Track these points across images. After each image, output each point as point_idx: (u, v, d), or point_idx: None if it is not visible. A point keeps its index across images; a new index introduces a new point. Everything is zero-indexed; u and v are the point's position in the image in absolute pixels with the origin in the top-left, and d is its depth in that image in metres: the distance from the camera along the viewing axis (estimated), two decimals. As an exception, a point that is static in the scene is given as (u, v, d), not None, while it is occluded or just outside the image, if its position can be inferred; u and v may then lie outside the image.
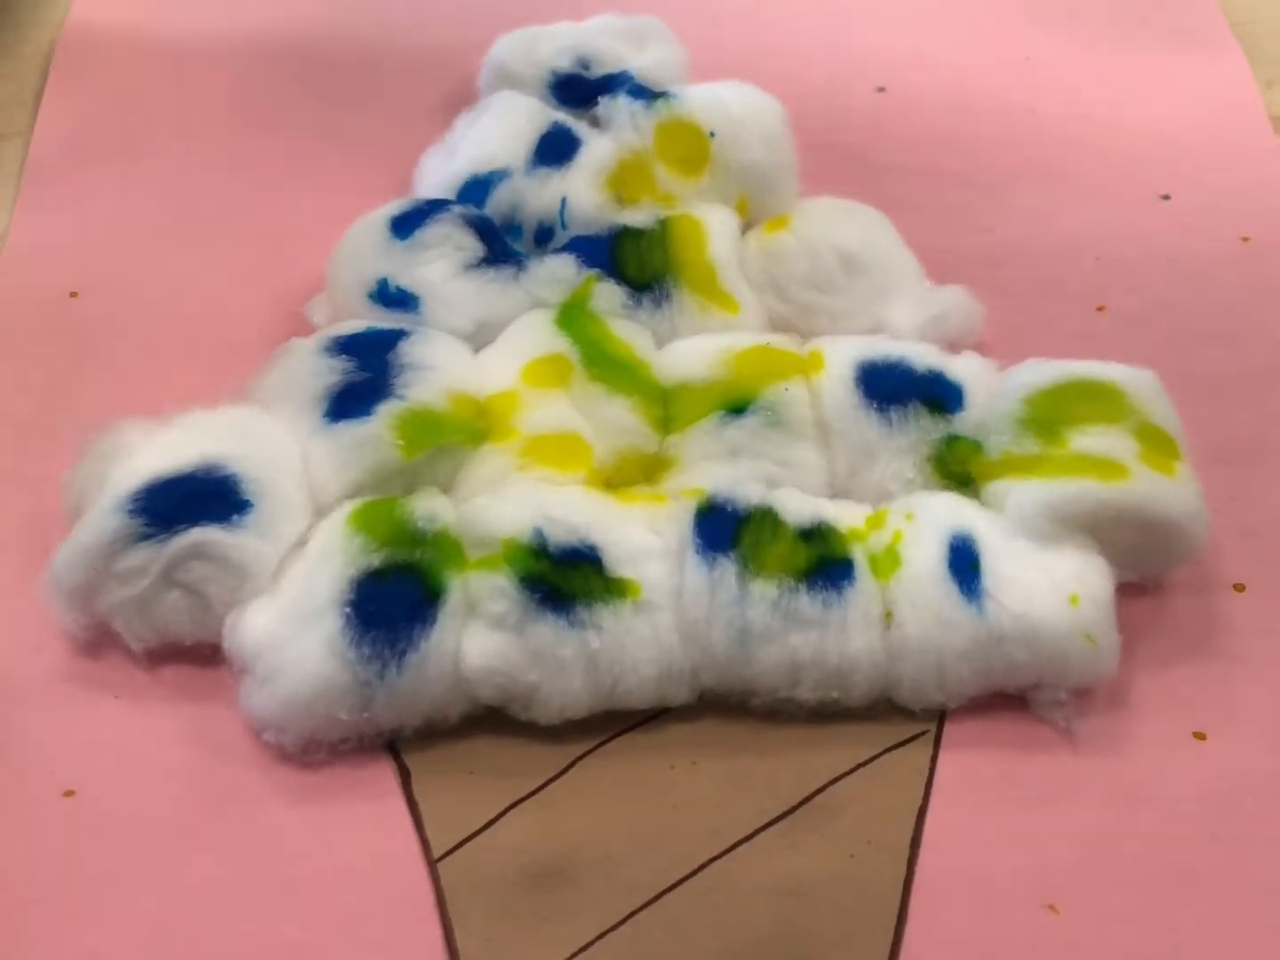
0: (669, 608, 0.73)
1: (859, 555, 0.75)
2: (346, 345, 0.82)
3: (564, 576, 0.72)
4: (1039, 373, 0.81)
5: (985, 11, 1.03)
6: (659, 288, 0.86)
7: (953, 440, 0.80)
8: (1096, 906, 0.68)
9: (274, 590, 0.74)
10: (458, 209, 0.88)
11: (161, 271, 0.94)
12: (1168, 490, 0.76)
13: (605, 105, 0.95)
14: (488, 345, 0.85)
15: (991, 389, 0.82)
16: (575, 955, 0.66)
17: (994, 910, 0.68)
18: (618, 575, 0.73)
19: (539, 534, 0.73)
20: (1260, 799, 0.71)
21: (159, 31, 1.09)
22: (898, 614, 0.73)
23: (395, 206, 0.89)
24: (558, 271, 0.86)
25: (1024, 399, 0.80)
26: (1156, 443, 0.77)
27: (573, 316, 0.83)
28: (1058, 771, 0.72)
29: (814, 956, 0.66)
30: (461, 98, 0.99)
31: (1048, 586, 0.73)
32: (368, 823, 0.71)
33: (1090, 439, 0.77)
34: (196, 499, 0.75)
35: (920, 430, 0.80)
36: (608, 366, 0.81)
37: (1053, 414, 0.78)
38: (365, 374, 0.80)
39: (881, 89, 1.04)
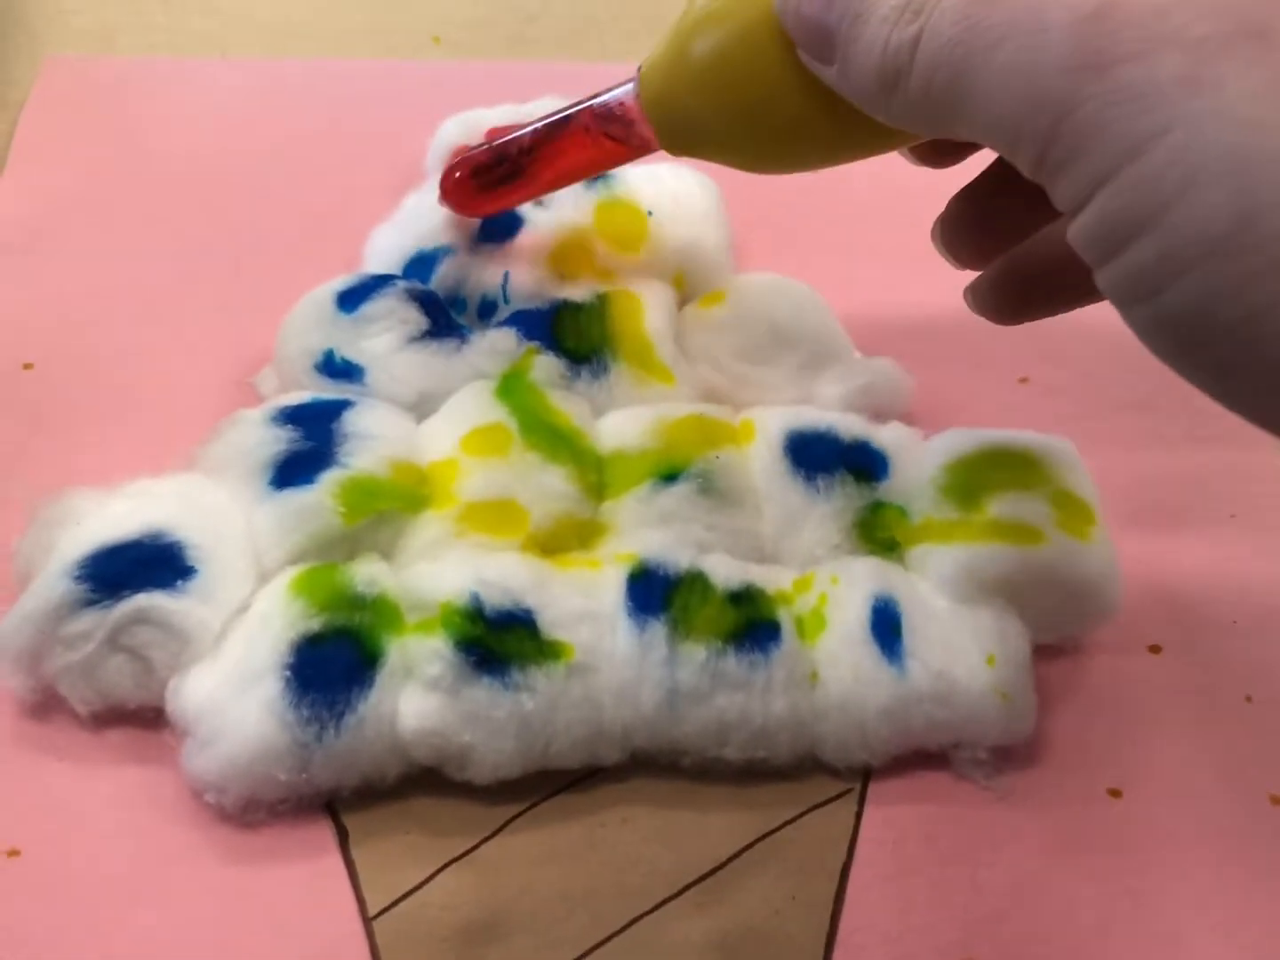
0: (601, 669, 0.75)
1: (785, 618, 0.77)
2: (292, 415, 0.84)
3: (499, 639, 0.74)
4: (959, 441, 0.84)
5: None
6: (597, 360, 0.89)
7: (878, 506, 0.83)
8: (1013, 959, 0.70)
9: (216, 654, 0.75)
10: (403, 284, 0.91)
11: (115, 345, 0.96)
12: (1082, 553, 0.78)
13: (547, 184, 0.98)
14: (430, 415, 0.87)
15: (916, 457, 0.85)
16: (505, 1010, 0.68)
17: (913, 963, 0.70)
18: (552, 638, 0.75)
19: (475, 598, 0.75)
20: (1172, 854, 0.74)
21: (117, 112, 1.11)
22: (822, 674, 0.76)
23: (342, 281, 0.91)
24: (499, 344, 0.88)
25: (944, 466, 0.83)
26: (1072, 508, 0.80)
27: (512, 387, 0.86)
28: (978, 827, 0.75)
29: (739, 1010, 0.68)
30: (410, 177, 1.02)
31: (966, 647, 0.76)
32: (305, 881, 0.72)
33: (1007, 505, 0.80)
34: (141, 565, 0.76)
35: (846, 497, 0.83)
36: (545, 435, 0.83)
37: (972, 481, 0.81)
38: (310, 443, 0.82)
39: (816, 168, 1.08)
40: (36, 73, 1.14)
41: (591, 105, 0.81)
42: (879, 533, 0.82)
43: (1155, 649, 0.82)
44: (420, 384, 0.88)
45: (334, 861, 0.73)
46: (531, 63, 1.21)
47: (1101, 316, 1.01)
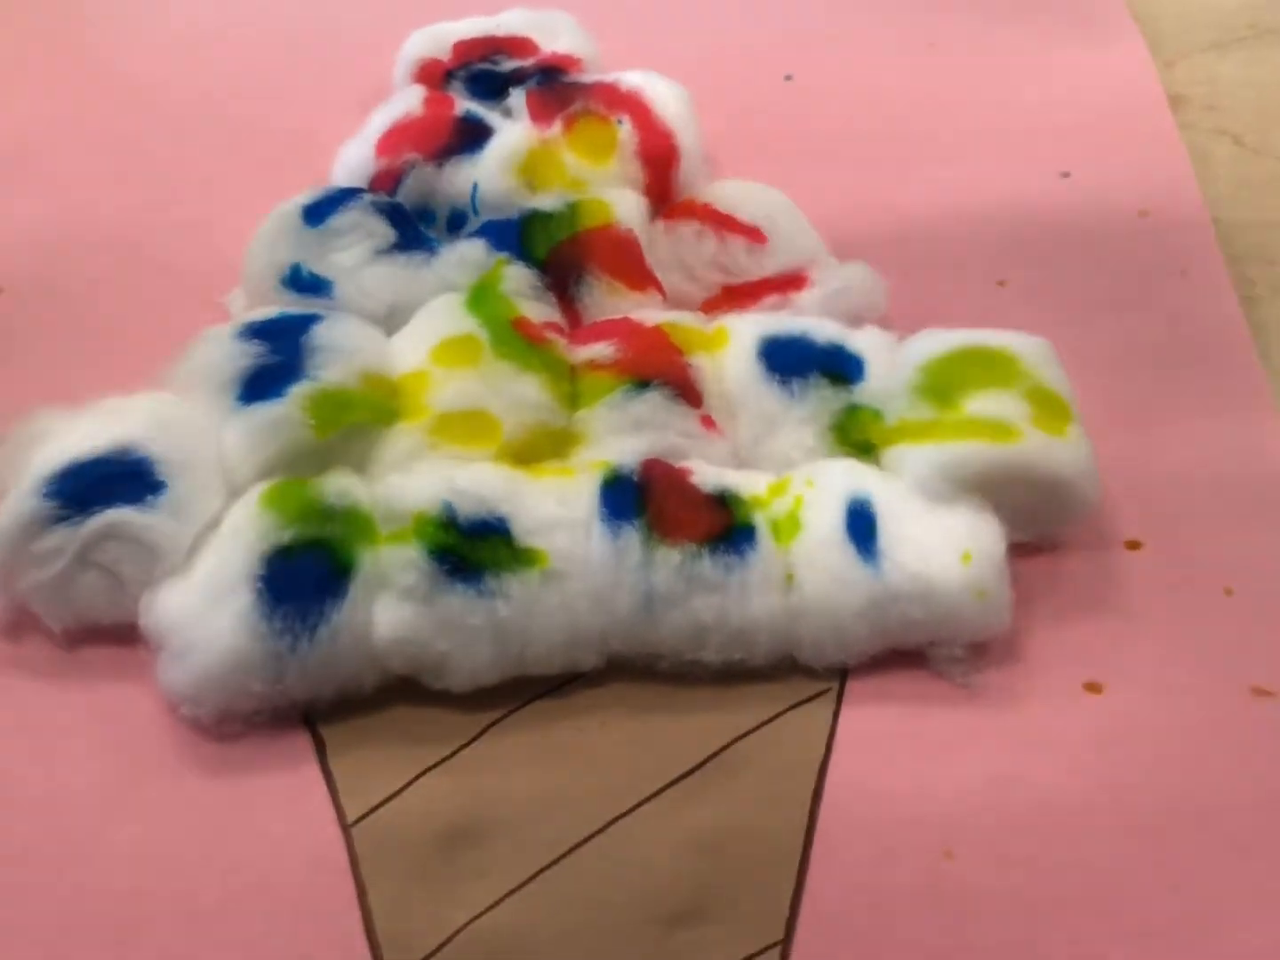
0: (577, 575, 0.74)
1: (761, 521, 0.77)
2: (260, 330, 0.83)
3: (473, 547, 0.74)
4: (935, 341, 0.83)
5: (890, -1, 1.04)
6: (568, 269, 0.88)
7: (853, 409, 0.82)
8: (991, 852, 0.70)
9: (188, 569, 0.75)
10: (369, 196, 0.90)
11: (84, 268, 0.96)
12: (1058, 450, 0.78)
13: (516, 96, 0.97)
14: (400, 328, 0.86)
15: (891, 359, 0.84)
16: (485, 912, 0.68)
17: (892, 858, 0.69)
18: (526, 545, 0.75)
19: (448, 507, 0.75)
20: (1151, 748, 0.73)
21: (82, 36, 1.10)
22: (798, 576, 0.75)
23: (308, 195, 0.91)
24: (468, 255, 0.88)
25: (920, 367, 0.82)
26: (1048, 406, 0.80)
27: (483, 298, 0.85)
28: (955, 724, 0.74)
29: (719, 907, 0.68)
30: (377, 91, 1.01)
31: (941, 545, 0.75)
32: (283, 792, 0.72)
33: (983, 403, 0.79)
34: (110, 481, 0.76)
35: (821, 400, 0.82)
36: (516, 345, 0.83)
37: (947, 380, 0.81)
38: (278, 357, 0.81)
39: (789, 77, 1.07)
40: (-2, -1, 1.13)
41: None
42: (854, 435, 0.82)
43: (1134, 545, 0.82)
44: (389, 296, 0.88)
45: (312, 771, 0.73)
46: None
47: (1080, 220, 1.02)
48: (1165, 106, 1.05)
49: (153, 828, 0.71)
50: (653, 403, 0.81)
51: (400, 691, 0.75)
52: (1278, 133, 1.04)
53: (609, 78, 0.98)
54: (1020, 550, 0.79)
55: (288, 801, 0.72)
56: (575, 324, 0.87)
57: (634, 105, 0.96)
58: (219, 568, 0.74)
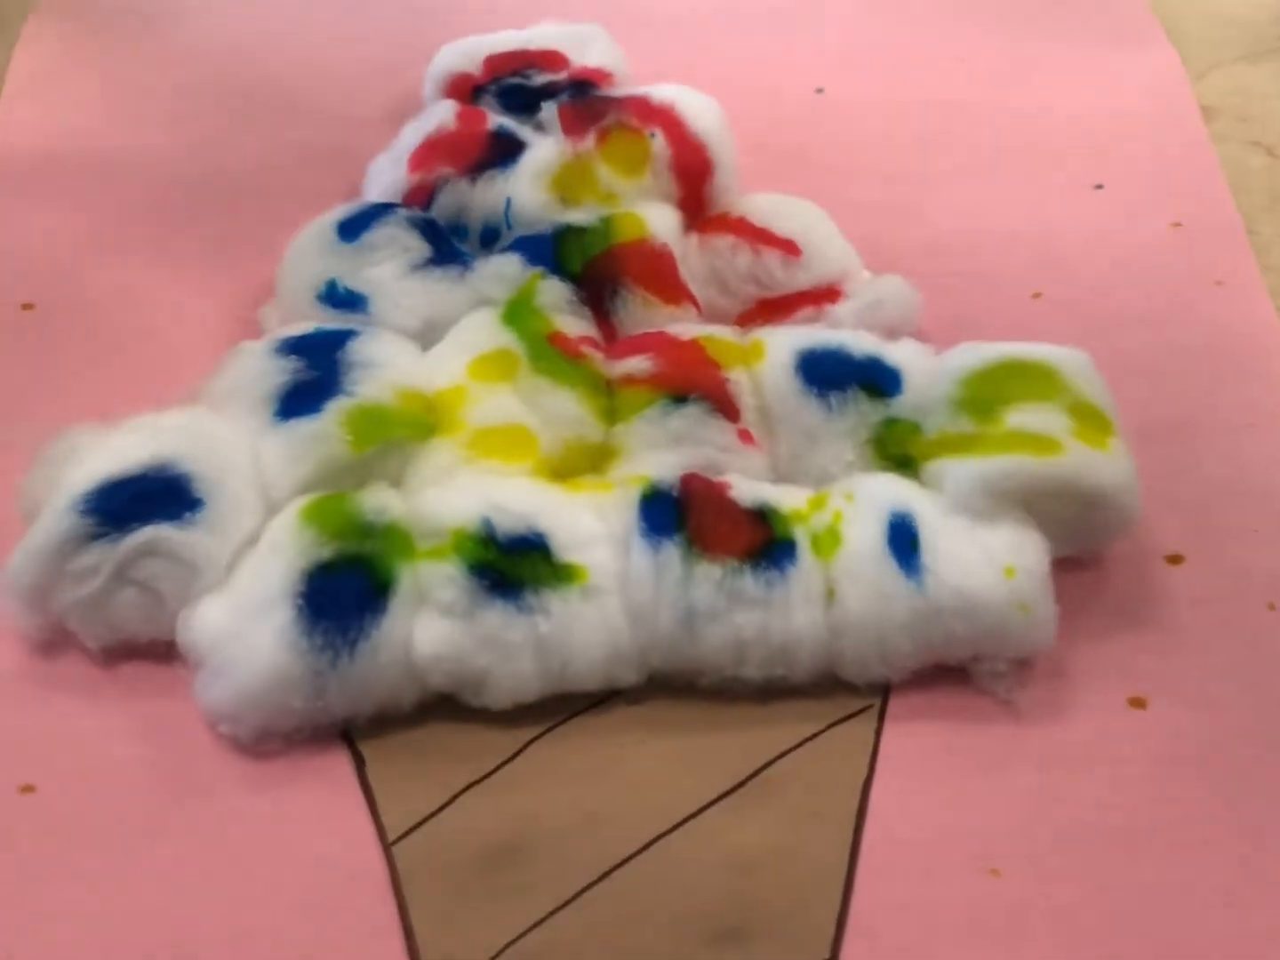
0: (616, 591, 0.74)
1: (801, 536, 0.76)
2: (296, 346, 0.83)
3: (512, 563, 0.74)
4: (974, 355, 0.83)
5: (920, 12, 1.05)
6: (603, 283, 0.88)
7: (891, 423, 0.82)
8: (1037, 869, 0.69)
9: (226, 585, 0.75)
10: (403, 211, 0.90)
11: (115, 283, 0.96)
12: (1101, 464, 0.78)
13: (548, 110, 0.97)
14: (436, 343, 0.86)
15: (929, 373, 0.84)
16: (527, 932, 0.67)
17: (938, 876, 0.69)
18: (565, 561, 0.74)
19: (487, 523, 0.75)
20: (1197, 762, 0.73)
21: (112, 48, 1.11)
22: (839, 591, 0.75)
23: (342, 211, 0.91)
24: (503, 270, 0.88)
25: (959, 380, 0.82)
26: (1090, 419, 0.79)
27: (518, 313, 0.85)
28: (999, 740, 0.74)
29: (762, 927, 0.67)
30: (407, 106, 1.01)
31: (984, 560, 0.75)
32: (323, 809, 0.72)
33: (1024, 417, 0.79)
34: (148, 498, 0.76)
35: (860, 414, 0.82)
36: (553, 360, 0.83)
37: (987, 394, 0.80)
38: (315, 373, 0.81)
39: (820, 90, 1.07)
40: (28, 11, 1.13)
41: None
42: (893, 449, 0.81)
43: (1175, 559, 0.81)
44: (425, 311, 0.87)
45: (352, 789, 0.72)
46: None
47: (1114, 232, 1.01)
48: (1198, 118, 1.05)
49: (192, 847, 0.70)
50: (691, 417, 0.81)
51: (438, 709, 0.75)
52: (1311, 144, 1.03)
53: (641, 91, 0.98)
54: (1062, 565, 0.78)
55: (328, 819, 0.71)
56: (611, 338, 0.87)
57: (666, 119, 0.96)
58: (258, 584, 0.74)
